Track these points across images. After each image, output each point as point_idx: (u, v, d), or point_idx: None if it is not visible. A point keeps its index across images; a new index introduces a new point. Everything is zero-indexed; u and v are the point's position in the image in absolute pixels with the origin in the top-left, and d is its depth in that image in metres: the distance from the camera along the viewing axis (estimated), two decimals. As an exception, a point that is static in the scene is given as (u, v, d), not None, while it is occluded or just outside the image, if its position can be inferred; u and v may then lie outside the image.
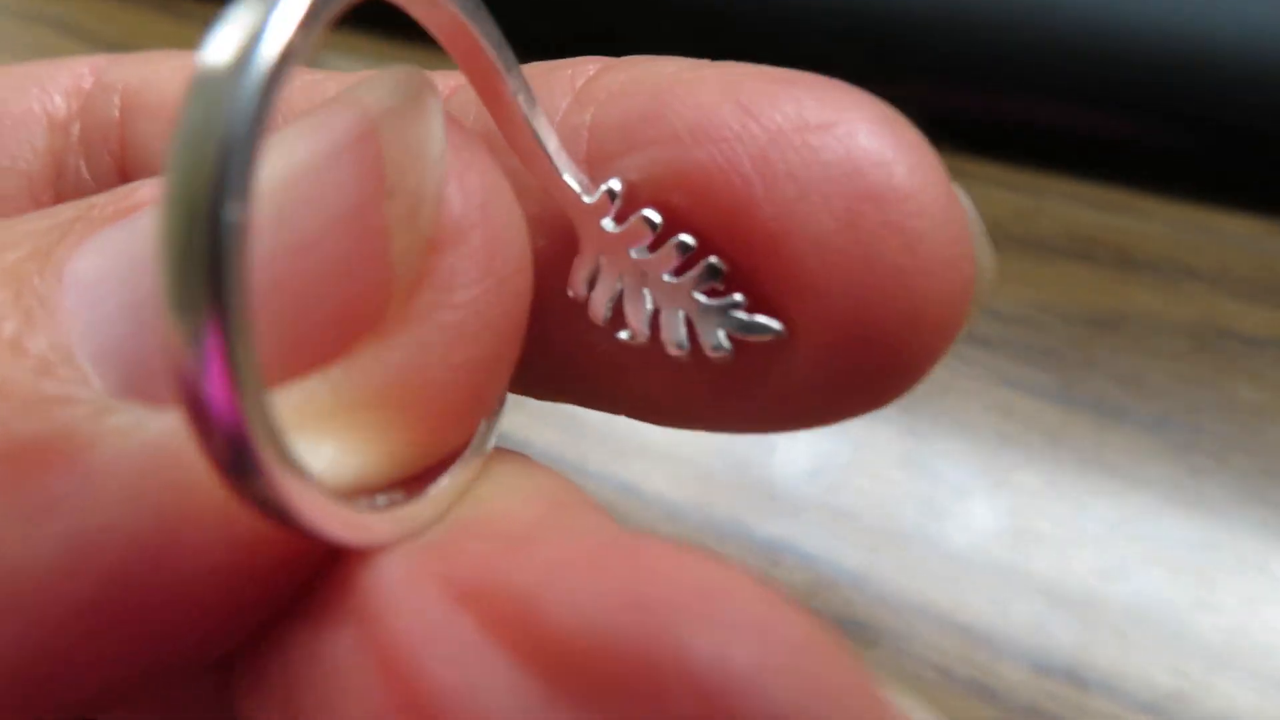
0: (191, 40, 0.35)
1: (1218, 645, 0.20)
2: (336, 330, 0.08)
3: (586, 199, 0.10)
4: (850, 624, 0.21)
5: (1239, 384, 0.23)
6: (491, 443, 0.10)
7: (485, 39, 0.09)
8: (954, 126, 0.29)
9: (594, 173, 0.10)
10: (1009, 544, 0.21)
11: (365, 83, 0.09)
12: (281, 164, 0.09)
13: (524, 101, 0.10)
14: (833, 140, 0.09)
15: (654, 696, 0.07)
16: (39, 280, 0.08)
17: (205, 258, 0.06)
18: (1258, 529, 0.21)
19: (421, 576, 0.08)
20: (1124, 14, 0.27)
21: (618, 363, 0.11)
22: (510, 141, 0.10)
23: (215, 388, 0.07)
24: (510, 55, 0.09)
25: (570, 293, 0.10)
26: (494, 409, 0.10)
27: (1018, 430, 0.23)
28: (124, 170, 0.13)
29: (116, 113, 0.13)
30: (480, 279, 0.09)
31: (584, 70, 0.11)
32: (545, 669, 0.07)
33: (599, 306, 0.10)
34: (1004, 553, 0.21)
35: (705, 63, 0.10)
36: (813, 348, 0.10)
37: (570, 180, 0.10)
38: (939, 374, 0.25)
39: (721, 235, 0.10)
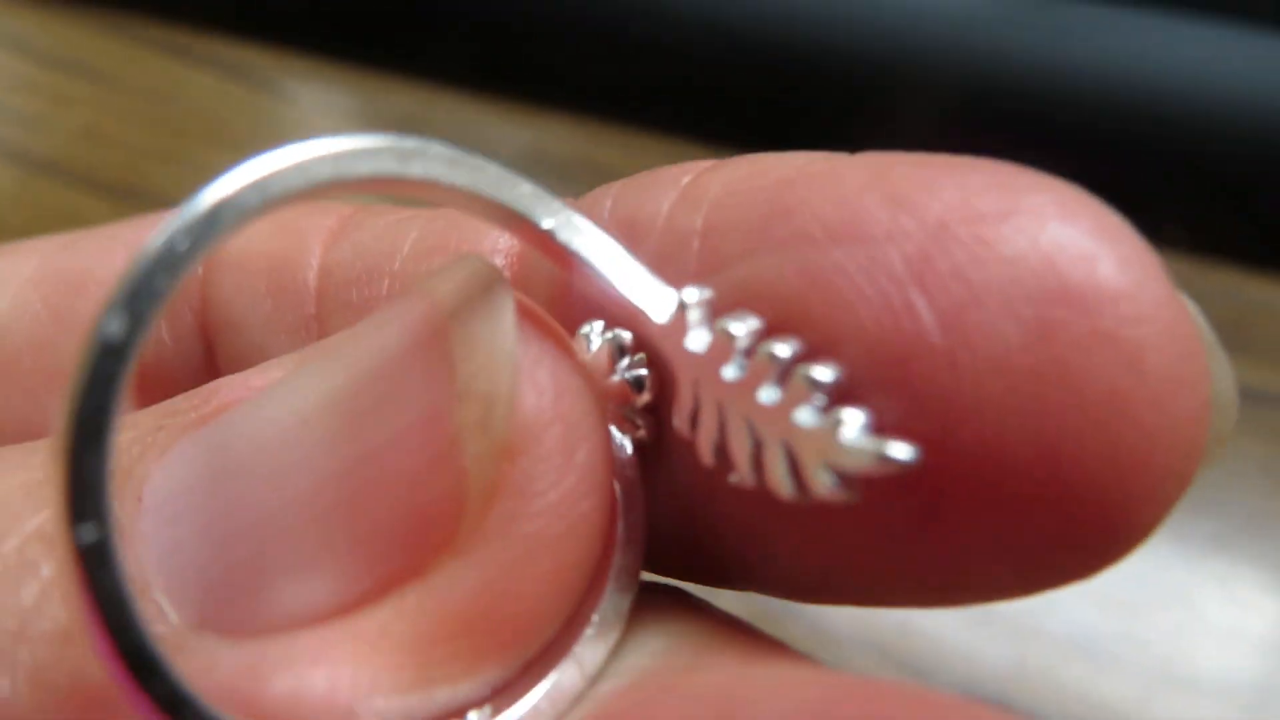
0: (143, 60, 0.34)
1: (1144, 676, 0.20)
2: (408, 548, 0.08)
3: (658, 319, 0.08)
4: (788, 655, 0.21)
5: (1168, 421, 0.24)
6: (623, 618, 0.09)
7: (475, 191, 0.08)
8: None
9: (705, 280, 0.09)
10: (945, 576, 0.22)
11: (437, 276, 0.08)
12: (346, 370, 0.08)
13: (556, 228, 0.09)
14: (1013, 231, 0.07)
15: None
16: (118, 505, 0.08)
17: (73, 577, 0.07)
18: (1182, 564, 0.22)
19: None
20: (1072, 60, 0.28)
21: (743, 521, 0.09)
22: (570, 274, 0.09)
23: (119, 682, 0.07)
24: (522, 189, 0.08)
25: (678, 431, 0.09)
26: (623, 586, 0.09)
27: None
28: (205, 327, 0.13)
29: (199, 269, 0.12)
30: (559, 481, 0.08)
31: (693, 168, 0.09)
32: None
33: (703, 445, 0.09)
34: (940, 585, 0.22)
35: (841, 154, 0.09)
36: (995, 497, 0.08)
37: (636, 299, 0.09)
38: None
39: (865, 359, 0.08)
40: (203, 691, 0.07)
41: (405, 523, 0.08)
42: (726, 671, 0.08)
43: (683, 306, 0.08)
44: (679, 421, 0.09)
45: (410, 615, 0.08)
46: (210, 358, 0.12)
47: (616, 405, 0.09)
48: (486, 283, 0.08)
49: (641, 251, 0.09)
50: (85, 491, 0.07)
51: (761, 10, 0.30)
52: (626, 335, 0.09)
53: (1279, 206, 0.27)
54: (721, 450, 0.08)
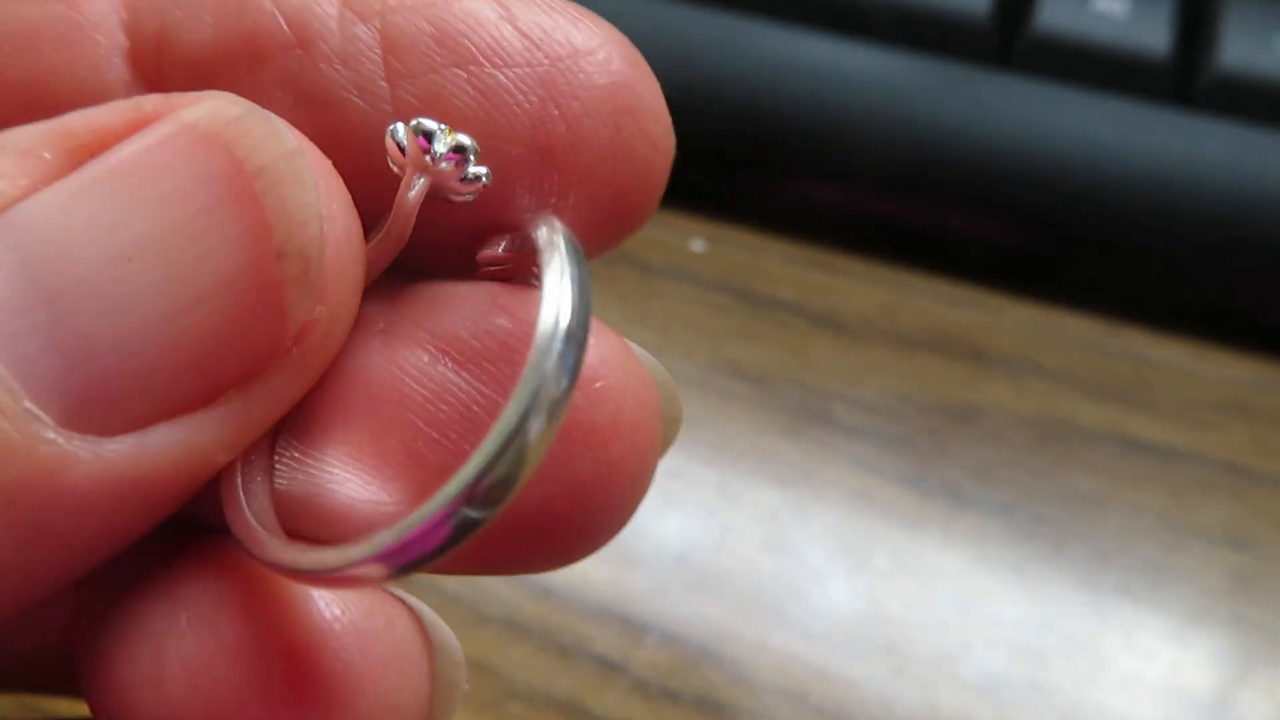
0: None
1: (1051, 723, 0.21)
2: (235, 368, 0.10)
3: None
4: (709, 704, 0.21)
5: (1077, 474, 0.25)
6: None
7: None
8: (826, 223, 0.31)
9: (395, 87, 0.12)
10: (865, 626, 0.22)
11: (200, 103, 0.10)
12: (155, 210, 0.10)
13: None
14: (597, 62, 0.12)
15: None
16: None
17: None
18: (1090, 612, 0.23)
19: None
20: (985, 130, 0.29)
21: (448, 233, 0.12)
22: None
23: None
24: None
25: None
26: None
27: (876, 515, 0.24)
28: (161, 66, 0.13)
29: None
30: (348, 319, 0.11)
31: None
32: None
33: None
34: (860, 634, 0.22)
35: None
36: (587, 214, 0.12)
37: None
38: (803, 461, 0.26)
39: (520, 145, 0.12)
40: (74, 481, 0.09)
41: (233, 350, 0.10)
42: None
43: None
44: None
45: (234, 416, 0.10)
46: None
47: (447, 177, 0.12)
48: (288, 147, 0.10)
49: (322, 53, 0.12)
50: None
51: (692, 74, 0.31)
52: (430, 123, 0.12)
53: (1181, 271, 0.28)
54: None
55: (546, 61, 0.12)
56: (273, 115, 0.10)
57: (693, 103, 0.31)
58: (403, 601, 0.12)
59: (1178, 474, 0.25)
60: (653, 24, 0.32)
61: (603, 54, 0.12)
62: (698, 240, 0.30)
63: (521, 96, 0.12)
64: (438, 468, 0.11)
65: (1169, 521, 0.24)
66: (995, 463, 0.25)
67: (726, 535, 0.24)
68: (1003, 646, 0.22)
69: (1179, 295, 0.28)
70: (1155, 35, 0.29)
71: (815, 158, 0.30)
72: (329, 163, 0.11)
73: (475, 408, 0.11)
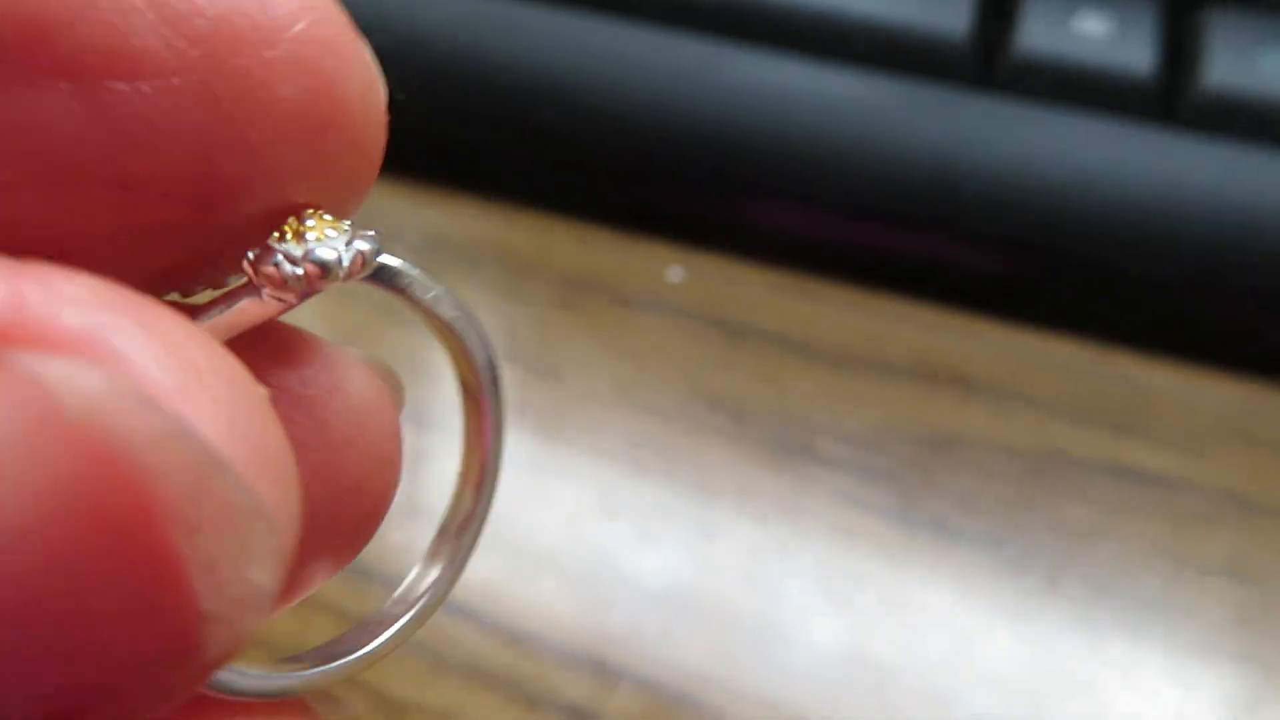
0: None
1: (1049, 771, 0.20)
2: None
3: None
4: (686, 753, 0.20)
5: (1070, 506, 0.24)
6: None
7: None
8: (806, 250, 0.30)
9: None
10: (848, 668, 0.21)
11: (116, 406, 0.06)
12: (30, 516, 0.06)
13: None
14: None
15: None
16: None
17: None
18: (1087, 650, 0.21)
19: None
20: (968, 153, 0.28)
21: None
22: None
23: None
24: None
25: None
26: None
27: (861, 551, 0.23)
28: None
29: None
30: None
31: None
32: None
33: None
34: (843, 676, 0.21)
35: None
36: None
37: None
38: (784, 495, 0.25)
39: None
40: None
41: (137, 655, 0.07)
42: None
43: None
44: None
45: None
46: None
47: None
48: (240, 501, 0.06)
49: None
50: None
51: (667, 101, 0.30)
52: (288, 257, 0.11)
53: (1171, 293, 0.27)
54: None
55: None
56: (193, 417, 0.06)
57: (671, 129, 0.30)
58: None
59: (1175, 504, 0.24)
60: (630, 51, 0.31)
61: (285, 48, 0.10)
62: (675, 269, 0.29)
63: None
64: None
65: (1168, 554, 0.23)
66: (983, 494, 0.24)
67: (705, 574, 0.23)
68: (995, 687, 0.21)
69: (1169, 318, 0.27)
70: (1138, 55, 0.29)
71: (796, 184, 0.29)
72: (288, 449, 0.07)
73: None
